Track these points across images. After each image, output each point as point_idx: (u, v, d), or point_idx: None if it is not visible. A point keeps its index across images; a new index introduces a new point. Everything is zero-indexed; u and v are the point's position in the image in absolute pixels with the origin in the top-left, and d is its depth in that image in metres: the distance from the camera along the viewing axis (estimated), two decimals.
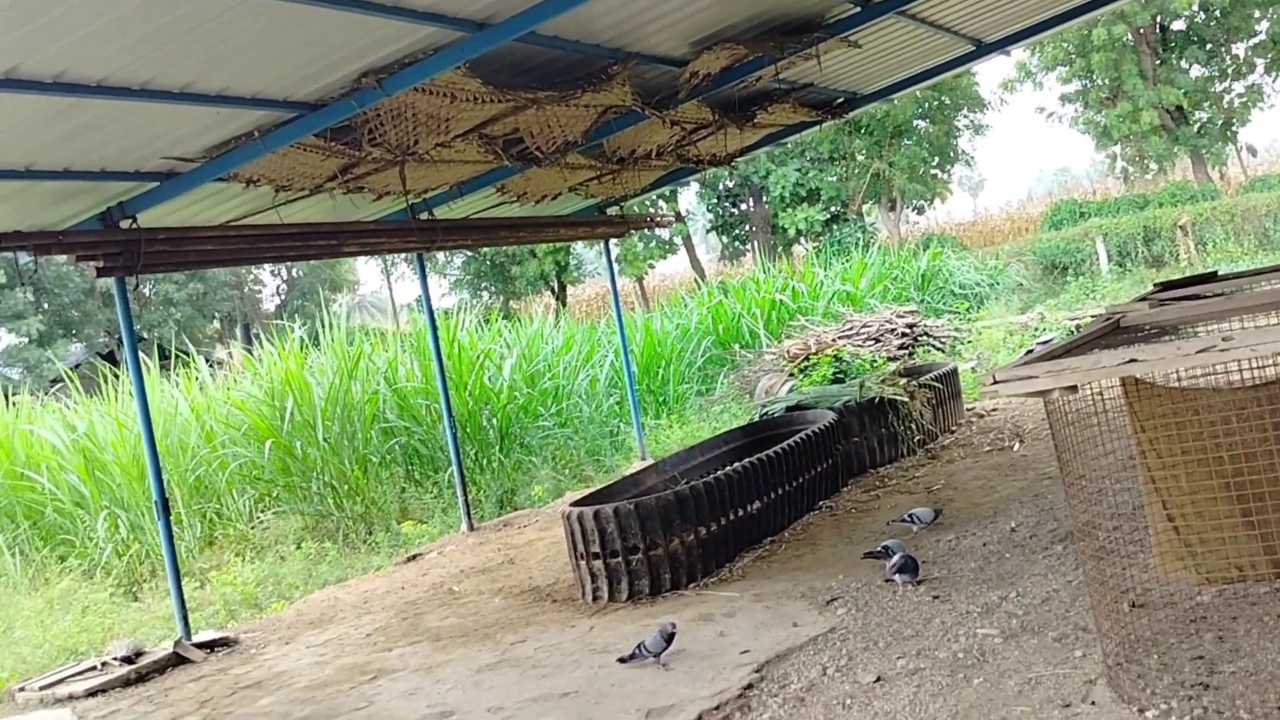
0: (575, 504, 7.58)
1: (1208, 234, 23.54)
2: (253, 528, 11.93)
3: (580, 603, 7.35)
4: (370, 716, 5.88)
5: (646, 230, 29.07)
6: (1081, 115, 32.16)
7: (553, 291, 33.96)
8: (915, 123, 31.09)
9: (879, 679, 5.02)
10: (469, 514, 10.94)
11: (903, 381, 9.82)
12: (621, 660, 5.80)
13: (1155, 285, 6.35)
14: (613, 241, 13.86)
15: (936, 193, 32.85)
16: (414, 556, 10.20)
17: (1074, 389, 3.96)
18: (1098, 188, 39.00)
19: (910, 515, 7.43)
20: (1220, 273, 6.73)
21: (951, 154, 32.29)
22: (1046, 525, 6.85)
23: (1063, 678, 4.60)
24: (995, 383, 4.00)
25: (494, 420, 13.75)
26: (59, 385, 21.02)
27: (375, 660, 6.99)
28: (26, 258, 7.59)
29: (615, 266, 17.86)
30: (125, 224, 7.50)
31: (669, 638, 5.68)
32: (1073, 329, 14.36)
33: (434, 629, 7.50)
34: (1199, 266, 20.94)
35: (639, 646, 5.75)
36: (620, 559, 7.17)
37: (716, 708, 5.04)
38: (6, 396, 15.02)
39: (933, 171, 31.99)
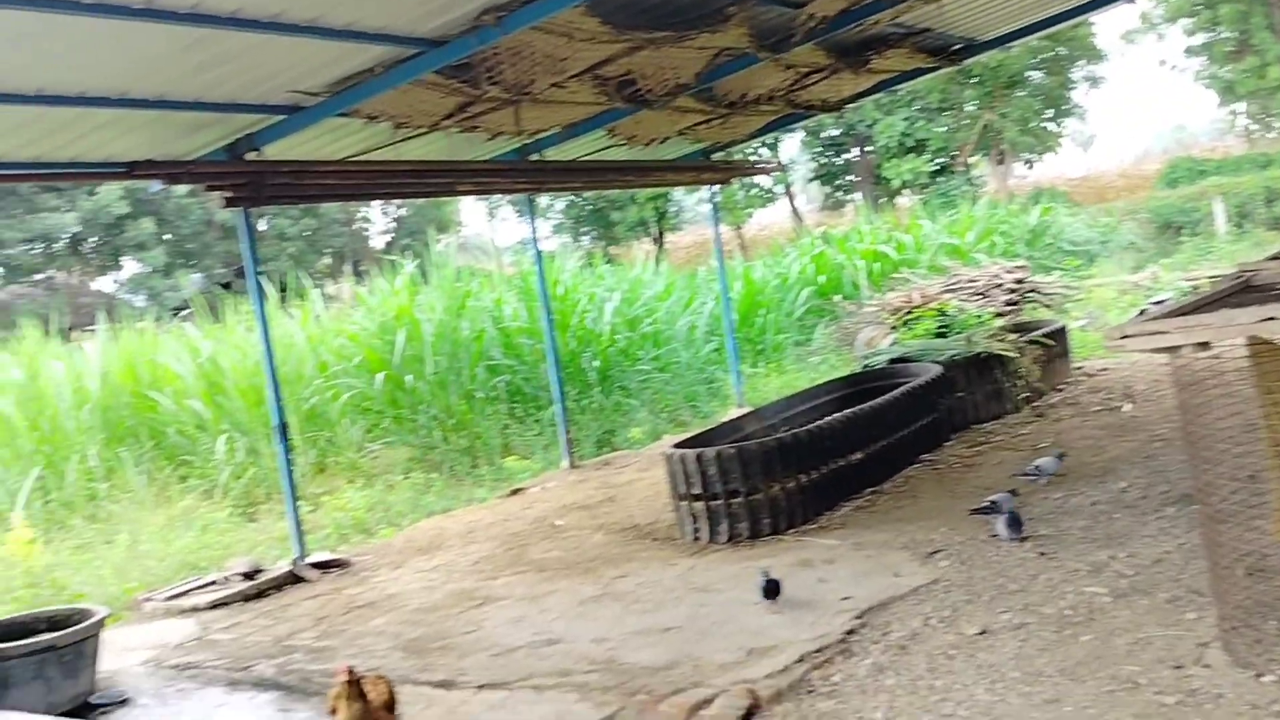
0: (677, 446, 7.68)
1: None
2: (362, 456, 12.32)
3: (680, 542, 7.48)
4: (478, 641, 6.09)
5: (747, 178, 28.90)
6: (1205, 69, 30.81)
7: (652, 238, 33.98)
8: (1029, 73, 30.14)
9: (983, 631, 5.04)
10: (570, 452, 11.14)
11: (1011, 337, 9.67)
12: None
13: None
14: (715, 189, 13.81)
15: (1048, 146, 31.90)
16: (517, 491, 10.45)
17: (1205, 346, 3.89)
18: (1217, 146, 37.39)
19: (1035, 467, 7.33)
20: None
21: (1065, 106, 31.26)
22: (1158, 487, 6.73)
23: (1174, 639, 4.56)
24: (1123, 337, 3.95)
25: (595, 362, 13.93)
26: (181, 313, 21.82)
27: (482, 587, 7.23)
28: (156, 186, 7.88)
29: (719, 214, 17.80)
30: (251, 156, 7.74)
31: (771, 585, 5.74)
32: (1188, 290, 13.92)
33: (537, 560, 7.70)
34: None
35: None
36: (720, 501, 7.26)
37: (818, 650, 5.11)
38: (132, 322, 15.69)
39: (1044, 124, 31.05)
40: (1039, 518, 6.61)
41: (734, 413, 12.68)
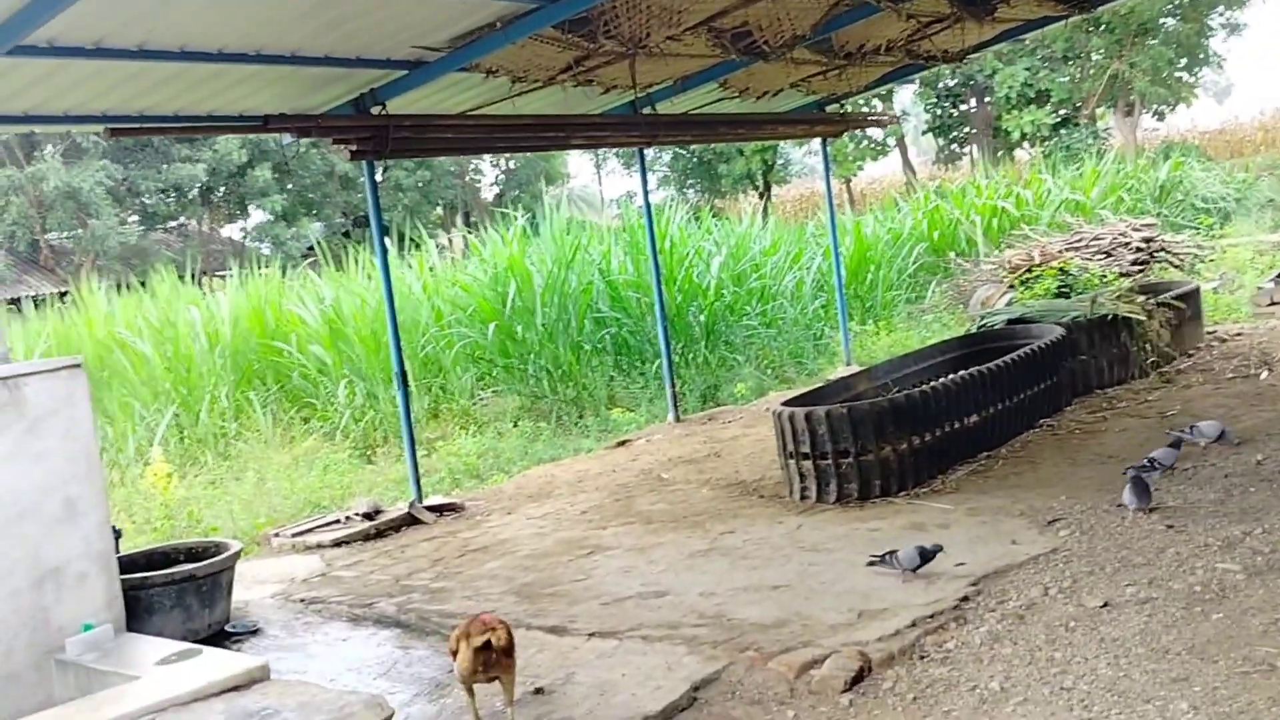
0: (787, 404, 7.62)
1: None
2: (474, 404, 12.55)
3: (787, 500, 7.44)
4: (588, 589, 6.18)
5: (859, 131, 28.27)
6: None
7: (758, 191, 33.61)
8: (1162, 20, 28.77)
9: (1106, 604, 4.91)
10: (676, 405, 11.16)
11: (1139, 299, 9.32)
12: (870, 563, 5.70)
13: None
14: (826, 142, 13.55)
15: (1180, 97, 30.47)
16: (623, 442, 10.52)
17: None
18: None
19: (1192, 428, 7.04)
20: None
21: (1201, 55, 29.78)
22: None
23: None
24: (1272, 304, 3.75)
25: (701, 317, 13.89)
26: (305, 260, 22.42)
27: (591, 536, 7.32)
28: (288, 139, 8.07)
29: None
30: (375, 110, 7.85)
31: (926, 556, 5.53)
32: None
33: (645, 512, 7.76)
34: None
35: (890, 554, 5.62)
36: (830, 461, 7.19)
37: (931, 616, 5.04)
38: (260, 269, 16.21)
39: (1178, 74, 29.64)
40: (1166, 489, 6.39)
41: (842, 371, 12.54)
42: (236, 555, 6.34)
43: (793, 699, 4.51)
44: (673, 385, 11.22)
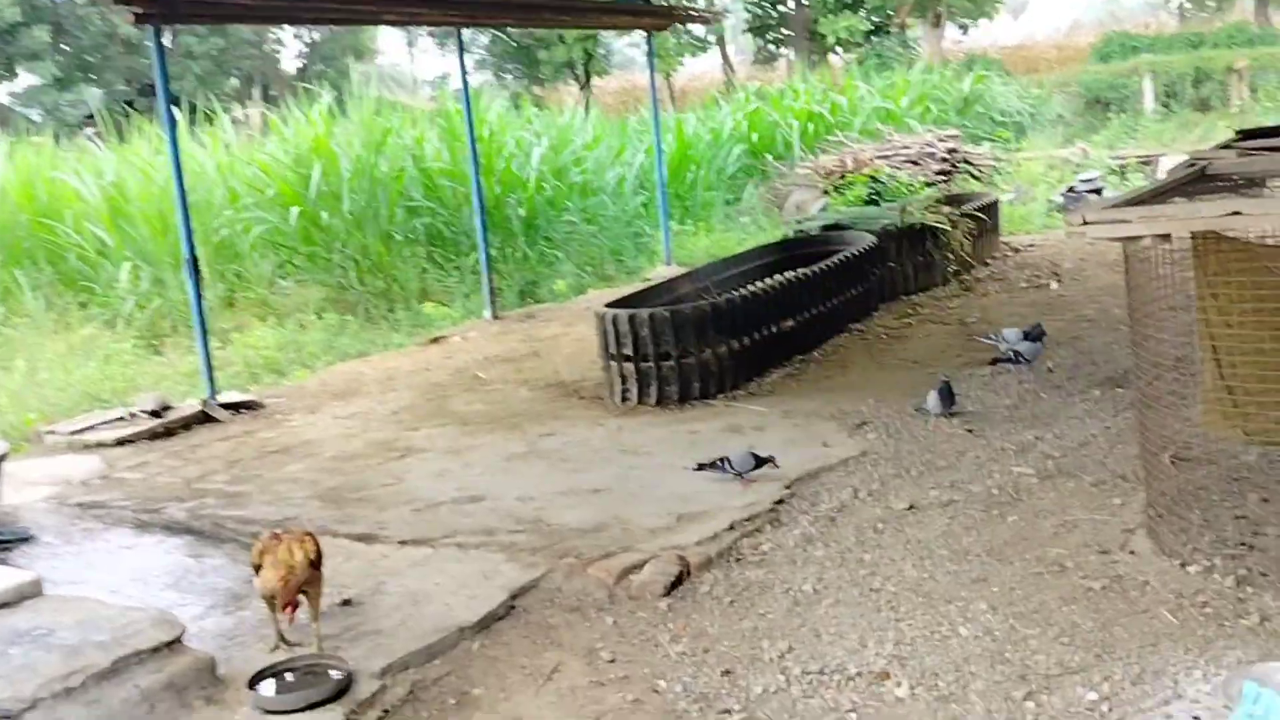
0: (610, 305, 7.52)
1: (1260, 81, 22.65)
2: (274, 294, 11.92)
3: (607, 402, 7.39)
4: (399, 494, 5.97)
5: (681, 25, 27.98)
6: None
7: (578, 81, 32.97)
8: None
9: (911, 507, 5.07)
10: (493, 302, 10.90)
11: (945, 209, 9.60)
12: (700, 467, 5.64)
13: (1237, 133, 6.09)
14: (651, 35, 13.29)
15: (984, 11, 31.45)
16: (437, 339, 10.22)
17: (1166, 238, 3.82)
18: (1149, 22, 37.33)
19: (998, 335, 7.32)
20: None
21: None
22: (1084, 368, 6.81)
23: (1100, 524, 4.63)
24: (1085, 223, 3.85)
25: (520, 210, 13.56)
26: (81, 130, 20.60)
27: (402, 438, 7.07)
28: None
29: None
30: None
31: (760, 461, 5.53)
32: (1116, 168, 14.00)
33: (460, 413, 7.56)
34: (1251, 114, 20.25)
35: (723, 459, 5.57)
36: (651, 363, 7.15)
37: (748, 519, 5.09)
38: (29, 137, 14.76)
39: None
40: (964, 394, 6.64)
41: (662, 270, 12.53)
42: (3, 455, 5.80)
43: (612, 605, 4.47)
44: (490, 280, 10.93)
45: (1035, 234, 11.71)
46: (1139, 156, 14.09)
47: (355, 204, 12.79)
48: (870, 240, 8.72)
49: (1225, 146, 5.86)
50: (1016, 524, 4.76)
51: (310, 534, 4.30)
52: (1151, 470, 4.52)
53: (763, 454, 5.56)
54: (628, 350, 7.19)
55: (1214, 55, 23.46)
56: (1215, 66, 22.68)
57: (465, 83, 11.04)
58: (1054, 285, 9.15)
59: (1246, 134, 6.06)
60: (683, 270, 8.53)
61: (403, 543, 5.22)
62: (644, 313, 7.15)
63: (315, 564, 4.20)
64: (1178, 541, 4.24)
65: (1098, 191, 12.60)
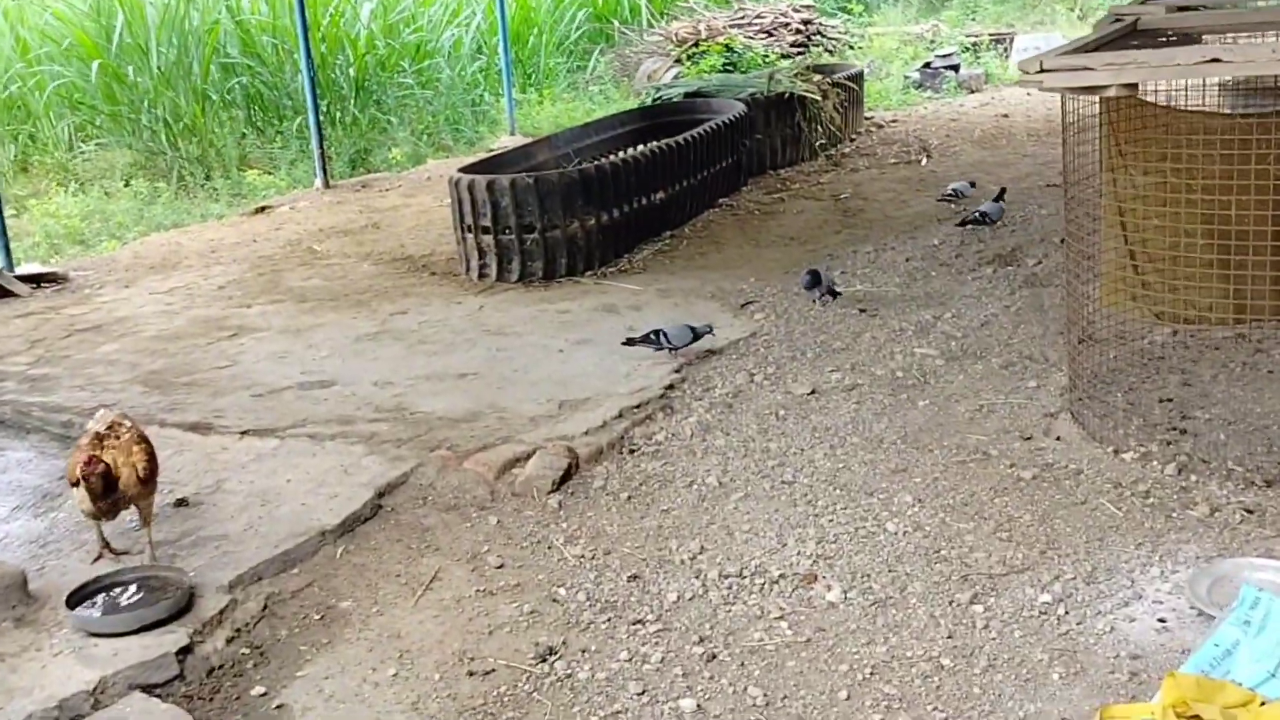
0: (466, 170, 6.80)
1: None
2: (74, 158, 10.60)
3: (463, 279, 6.73)
4: (235, 377, 5.23)
5: None
6: None
7: None
8: None
9: (813, 392, 4.69)
10: (324, 169, 9.92)
11: (816, 78, 9.16)
12: (628, 342, 5.11)
13: None
14: None
15: None
16: (263, 208, 9.25)
17: (1133, 88, 3.44)
18: None
19: (953, 190, 7.47)
20: None
21: None
22: (971, 246, 6.55)
23: (1018, 408, 4.36)
24: (1042, 70, 3.43)
25: (350, 71, 12.42)
26: None
27: (233, 316, 6.27)
28: None
29: None
30: None
31: (699, 335, 5.02)
32: (969, 45, 13.85)
33: (297, 289, 6.78)
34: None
35: (656, 333, 5.02)
36: (513, 236, 6.51)
37: (638, 406, 4.61)
38: None
39: None
40: (852, 272, 6.31)
41: (506, 141, 11.73)
42: None
43: (494, 503, 3.95)
44: (321, 146, 9.93)
45: (896, 109, 11.44)
46: (991, 34, 13.95)
47: (164, 59, 11.43)
48: (740, 109, 8.20)
49: (1142, 2, 5.55)
50: (928, 409, 4.43)
51: (142, 440, 3.58)
52: (1074, 351, 4.25)
53: (698, 325, 5.09)
54: (486, 222, 6.53)
55: None
56: None
57: None
58: (924, 161, 8.89)
59: None
60: (535, 139, 7.80)
61: (244, 433, 4.54)
62: (504, 179, 6.47)
63: (147, 481, 3.51)
64: (1104, 426, 3.99)
65: (955, 68, 12.41)
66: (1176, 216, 4.61)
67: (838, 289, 5.81)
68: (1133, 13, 4.68)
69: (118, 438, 3.54)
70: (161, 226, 9.09)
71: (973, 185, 7.63)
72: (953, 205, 7.37)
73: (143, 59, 11.35)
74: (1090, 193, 4.36)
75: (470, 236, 6.62)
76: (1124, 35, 4.34)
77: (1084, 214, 4.26)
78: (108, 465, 3.40)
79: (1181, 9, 4.66)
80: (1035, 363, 4.78)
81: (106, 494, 3.39)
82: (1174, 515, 3.44)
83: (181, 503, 3.94)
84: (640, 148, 7.26)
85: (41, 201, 9.42)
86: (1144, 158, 4.79)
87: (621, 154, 7.13)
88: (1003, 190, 7.12)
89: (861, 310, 5.63)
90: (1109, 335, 4.64)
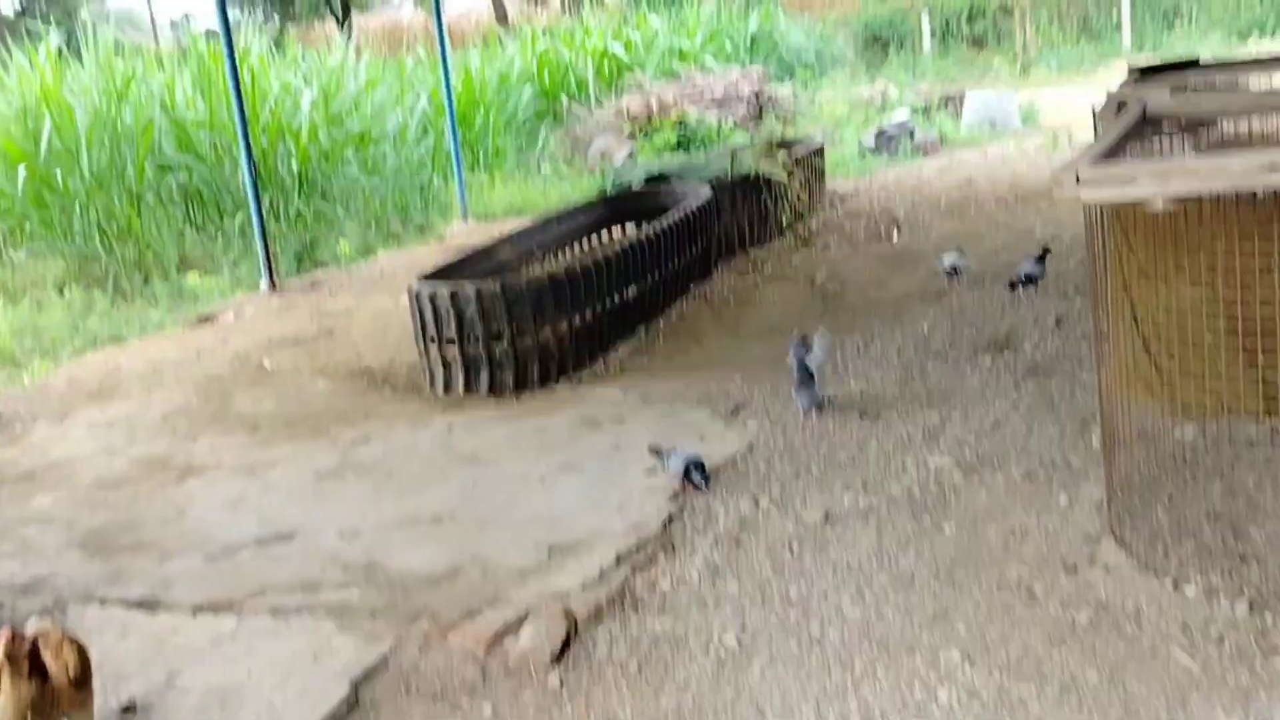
0: (427, 278, 6.39)
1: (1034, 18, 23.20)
2: (2, 267, 10.05)
3: (428, 394, 6.30)
4: (185, 534, 4.73)
5: None
6: None
7: (337, 18, 30.62)
8: None
9: (827, 518, 4.29)
10: (271, 270, 9.46)
11: (781, 156, 8.89)
12: (655, 453, 4.71)
13: (1134, 71, 5.53)
14: None
15: None
16: (207, 318, 8.76)
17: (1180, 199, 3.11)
18: None
19: (951, 266, 7.14)
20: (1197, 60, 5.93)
21: None
22: (962, 331, 6.23)
23: (1053, 530, 3.98)
24: (1078, 181, 3.09)
25: (292, 163, 12.00)
26: None
27: (179, 452, 5.77)
28: None
29: None
30: None
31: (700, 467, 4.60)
32: (920, 107, 13.75)
33: (248, 415, 6.29)
34: (1033, 50, 20.76)
35: (696, 467, 4.57)
36: (481, 347, 6.10)
37: (636, 547, 4.18)
38: None
39: None
40: (842, 365, 5.95)
41: (459, 227, 11.38)
42: None
43: (486, 686, 3.49)
44: (265, 245, 9.47)
45: (854, 178, 11.23)
46: (942, 96, 13.86)
47: (96, 162, 10.94)
48: (707, 193, 7.89)
49: (1144, 75, 5.31)
50: (956, 536, 4.05)
51: (73, 639, 3.10)
52: (1111, 461, 3.89)
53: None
54: (450, 333, 6.11)
55: None
56: (988, 4, 23.09)
57: (225, 14, 9.42)
58: (895, 236, 8.62)
59: (1146, 71, 5.50)
60: (497, 239, 7.38)
61: (197, 609, 4.04)
62: (469, 288, 6.07)
63: (81, 684, 3.02)
64: (1153, 551, 3.63)
65: (911, 134, 12.25)
66: (1190, 301, 4.33)
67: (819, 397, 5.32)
68: (1134, 95, 4.40)
69: (46, 638, 3.06)
70: (98, 340, 8.55)
71: (961, 253, 7.38)
72: (953, 280, 7.09)
73: (73, 163, 10.86)
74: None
75: (434, 348, 6.20)
76: (1137, 124, 4.04)
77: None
78: (35, 643, 2.92)
79: (1178, 89, 4.38)
80: (1059, 471, 4.42)
81: (35, 685, 2.90)
82: (1258, 668, 3.07)
83: (129, 710, 3.43)
84: (614, 245, 6.90)
85: None
86: (1154, 240, 4.51)
87: (591, 253, 6.77)
88: (1045, 250, 6.88)
89: (862, 415, 5.26)
90: (1131, 434, 4.30)
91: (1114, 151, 3.52)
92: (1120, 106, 4.38)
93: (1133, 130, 3.99)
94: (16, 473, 5.71)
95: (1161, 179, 3.02)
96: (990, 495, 4.32)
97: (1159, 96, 4.33)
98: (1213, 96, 4.34)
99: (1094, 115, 5.30)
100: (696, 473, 4.59)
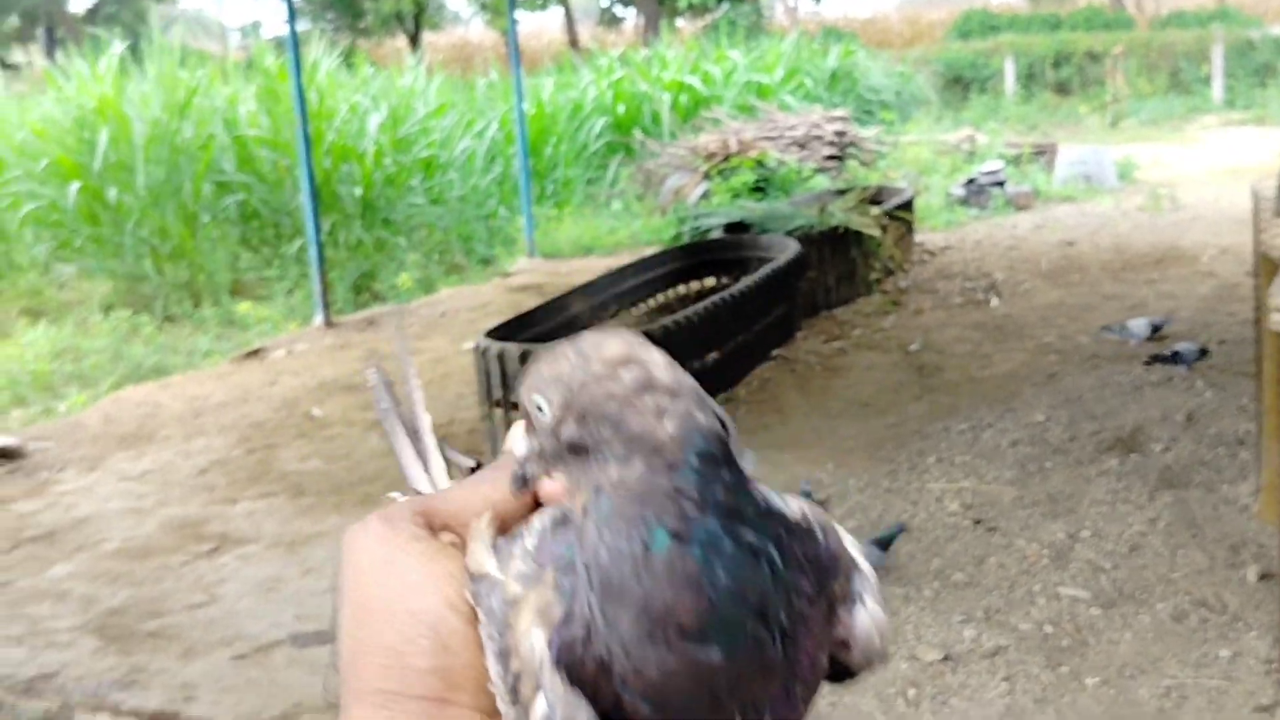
0: (493, 334, 5.88)
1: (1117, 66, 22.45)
2: (49, 283, 9.74)
3: (489, 459, 5.75)
4: (213, 623, 4.23)
5: None
6: None
7: (409, 35, 30.56)
8: None
9: (947, 657, 3.69)
10: (325, 304, 9.01)
11: (874, 210, 8.30)
12: None
13: None
14: None
15: None
16: (255, 352, 8.32)
17: None
18: (1000, 3, 37.30)
19: (1173, 352, 6.19)
20: None
21: None
22: (1083, 425, 5.58)
23: (1216, 694, 3.35)
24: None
25: (355, 189, 11.60)
26: None
27: (215, 517, 5.29)
28: None
29: (486, 15, 15.31)
30: None
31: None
32: (1013, 157, 13.09)
33: (292, 474, 5.80)
34: (1124, 101, 20.01)
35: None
36: None
37: None
38: None
39: None
40: (947, 456, 5.33)
41: (523, 264, 10.90)
42: None
43: None
44: (322, 276, 9.04)
45: (942, 230, 10.60)
46: (1034, 145, 13.19)
47: (152, 178, 10.62)
48: (795, 248, 7.30)
49: None
50: (1102, 694, 3.43)
51: None
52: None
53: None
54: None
55: (1073, 38, 23.17)
56: (1075, 49, 22.36)
57: (293, 30, 9.02)
58: (994, 302, 7.98)
59: None
60: (547, 263, 6.87)
61: None
62: (541, 349, 5.53)
63: None
64: None
65: (1000, 184, 11.60)
66: None
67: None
68: None
69: None
70: (141, 372, 8.16)
71: (1157, 328, 6.65)
72: (1168, 365, 6.17)
73: (128, 179, 10.55)
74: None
75: (499, 412, 5.67)
76: None
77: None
78: None
79: None
80: (1213, 612, 3.78)
81: None
82: None
83: None
84: (699, 305, 6.31)
85: (7, 341, 8.51)
86: None
87: (669, 311, 6.22)
88: (1204, 350, 6.21)
89: (977, 522, 4.65)
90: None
91: None
92: None
93: None
94: (37, 532, 5.25)
95: None
96: (1136, 640, 3.69)
97: None
98: None
99: (1254, 195, 4.67)
100: None
